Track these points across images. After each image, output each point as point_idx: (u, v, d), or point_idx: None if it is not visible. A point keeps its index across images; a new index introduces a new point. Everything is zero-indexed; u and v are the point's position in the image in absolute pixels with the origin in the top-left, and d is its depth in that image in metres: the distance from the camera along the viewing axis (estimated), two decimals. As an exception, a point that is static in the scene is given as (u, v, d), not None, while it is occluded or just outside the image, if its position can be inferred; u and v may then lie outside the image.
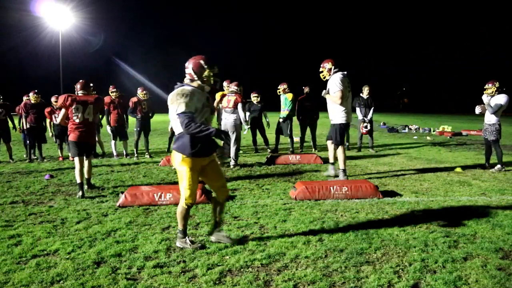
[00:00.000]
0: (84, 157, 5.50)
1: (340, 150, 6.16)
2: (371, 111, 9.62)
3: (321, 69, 6.27)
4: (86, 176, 5.58)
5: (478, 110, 7.04)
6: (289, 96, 9.38)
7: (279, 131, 9.62)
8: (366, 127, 9.59)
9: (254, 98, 9.41)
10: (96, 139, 8.68)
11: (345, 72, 6.09)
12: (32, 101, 8.56)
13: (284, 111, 9.42)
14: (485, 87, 6.99)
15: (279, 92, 9.54)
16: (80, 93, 5.56)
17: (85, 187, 5.52)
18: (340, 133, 6.15)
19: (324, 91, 6.16)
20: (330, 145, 6.38)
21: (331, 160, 6.37)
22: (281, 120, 9.50)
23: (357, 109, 9.70)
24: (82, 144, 5.40)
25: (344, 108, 6.05)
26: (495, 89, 6.84)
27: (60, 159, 8.72)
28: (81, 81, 5.66)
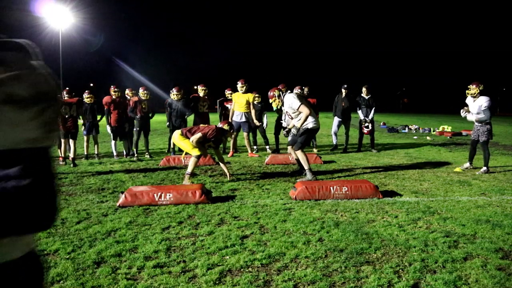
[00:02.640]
0: (71, 140, 7.97)
1: (300, 152, 6.23)
2: (372, 111, 9.60)
3: (271, 100, 6.55)
4: (71, 155, 7.93)
5: (464, 113, 7.01)
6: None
7: (279, 132, 9.62)
8: (367, 127, 9.58)
9: (256, 98, 9.41)
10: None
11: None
12: None
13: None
14: (468, 87, 6.91)
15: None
16: (66, 97, 8.13)
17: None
18: (308, 138, 6.35)
19: (287, 122, 6.33)
20: (297, 152, 6.29)
21: (306, 166, 6.21)
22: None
23: (358, 109, 9.71)
24: (68, 131, 8.00)
25: (312, 116, 6.28)
26: (478, 91, 6.76)
27: (60, 159, 8.71)
28: (66, 88, 8.27)
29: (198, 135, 6.04)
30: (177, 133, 6.26)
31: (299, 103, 6.08)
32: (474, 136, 6.99)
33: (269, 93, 6.53)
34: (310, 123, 6.23)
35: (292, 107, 6.17)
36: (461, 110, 7.05)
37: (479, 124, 6.86)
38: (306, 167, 6.20)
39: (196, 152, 5.99)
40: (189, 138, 6.10)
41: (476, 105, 6.77)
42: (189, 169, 5.99)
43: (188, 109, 9.17)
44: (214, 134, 6.09)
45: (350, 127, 10.26)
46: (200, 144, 6.10)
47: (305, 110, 6.06)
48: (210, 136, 6.09)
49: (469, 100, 6.97)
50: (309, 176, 6.11)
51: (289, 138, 6.61)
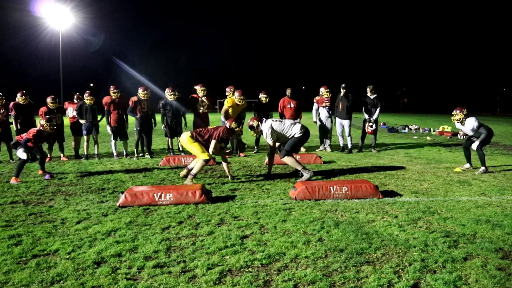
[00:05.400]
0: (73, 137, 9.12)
1: (286, 158, 6.31)
2: (377, 110, 9.56)
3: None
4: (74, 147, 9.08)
5: (461, 137, 7.06)
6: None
7: None
8: (371, 126, 9.55)
9: (264, 98, 9.40)
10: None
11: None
12: (21, 102, 8.52)
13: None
14: (452, 113, 6.97)
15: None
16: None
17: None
18: (296, 146, 6.41)
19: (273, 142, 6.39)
20: (284, 159, 6.39)
21: (299, 167, 6.34)
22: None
23: (363, 109, 9.67)
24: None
25: (297, 126, 6.44)
26: (463, 116, 6.82)
27: (48, 159, 8.61)
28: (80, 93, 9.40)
29: (213, 142, 6.07)
30: (186, 135, 6.20)
31: (270, 138, 6.30)
32: (470, 138, 7.04)
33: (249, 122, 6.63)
34: (297, 133, 6.32)
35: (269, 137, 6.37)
36: (458, 135, 7.09)
37: (476, 138, 6.92)
38: (299, 168, 6.25)
39: (205, 156, 5.96)
40: (199, 141, 6.11)
41: (468, 128, 6.87)
42: (195, 171, 5.98)
43: (183, 109, 9.19)
44: (226, 135, 6.16)
45: (351, 128, 10.01)
46: (218, 148, 6.18)
47: (270, 143, 6.35)
48: (224, 137, 6.16)
49: (458, 125, 7.04)
50: (305, 175, 6.13)
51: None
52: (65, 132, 9.20)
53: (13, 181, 6.25)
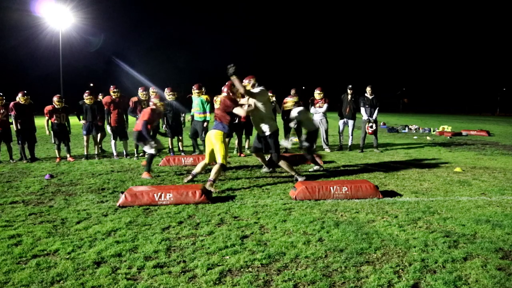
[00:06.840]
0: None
1: (281, 162, 6.14)
2: (376, 111, 9.60)
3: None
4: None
5: (294, 125, 7.03)
6: (206, 97, 8.88)
7: (195, 134, 9.00)
8: (371, 127, 9.58)
9: (270, 96, 9.41)
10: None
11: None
12: (22, 102, 8.50)
13: (201, 114, 8.77)
14: (284, 100, 7.01)
15: (199, 94, 8.83)
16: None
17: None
18: (277, 142, 6.21)
19: (250, 106, 5.97)
20: (281, 163, 6.23)
21: (293, 172, 6.22)
22: (199, 123, 8.82)
23: (362, 109, 9.70)
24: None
25: (272, 116, 6.29)
26: (293, 103, 6.91)
27: (58, 160, 8.61)
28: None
29: (230, 115, 5.75)
30: (219, 133, 5.72)
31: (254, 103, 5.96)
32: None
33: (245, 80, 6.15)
34: (274, 126, 6.11)
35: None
36: (290, 124, 7.08)
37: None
38: (292, 173, 6.16)
39: (223, 162, 5.61)
40: (225, 130, 5.74)
41: (294, 112, 6.86)
42: (213, 177, 5.56)
43: (183, 108, 9.19)
44: (231, 103, 5.79)
45: (354, 127, 10.25)
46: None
47: (248, 108, 5.96)
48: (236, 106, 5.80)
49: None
50: (300, 179, 6.08)
51: (253, 146, 6.54)
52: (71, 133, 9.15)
53: (145, 175, 6.48)
